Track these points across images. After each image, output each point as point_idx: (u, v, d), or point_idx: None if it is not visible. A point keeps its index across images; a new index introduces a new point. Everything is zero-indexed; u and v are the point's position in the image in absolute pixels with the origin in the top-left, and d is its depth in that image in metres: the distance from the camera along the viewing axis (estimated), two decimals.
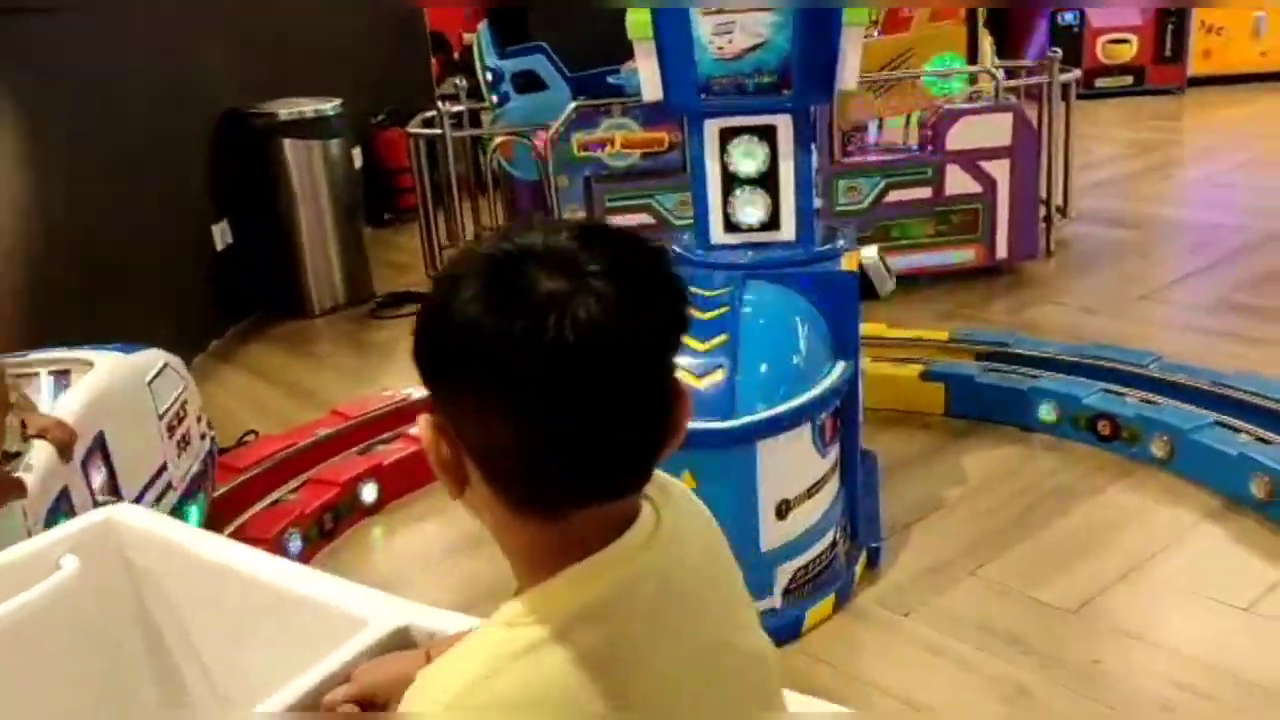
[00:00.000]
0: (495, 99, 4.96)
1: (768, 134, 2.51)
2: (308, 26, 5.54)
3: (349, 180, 4.94)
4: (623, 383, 0.77)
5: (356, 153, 5.72)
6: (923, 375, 3.44)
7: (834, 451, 2.55)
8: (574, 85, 4.77)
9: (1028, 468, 3.13)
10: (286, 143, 4.59)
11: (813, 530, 2.45)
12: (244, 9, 5.04)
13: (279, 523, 2.84)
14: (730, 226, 2.59)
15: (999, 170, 4.40)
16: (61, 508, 2.09)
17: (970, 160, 4.38)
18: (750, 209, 2.57)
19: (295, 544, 2.84)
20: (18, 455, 2.06)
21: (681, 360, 2.39)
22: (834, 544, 2.53)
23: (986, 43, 4.77)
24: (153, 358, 2.71)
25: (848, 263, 2.57)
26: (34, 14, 3.51)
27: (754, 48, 2.41)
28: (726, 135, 2.53)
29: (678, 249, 2.70)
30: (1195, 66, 8.34)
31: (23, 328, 3.16)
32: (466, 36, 6.48)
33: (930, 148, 4.43)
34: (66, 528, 1.50)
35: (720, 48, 2.43)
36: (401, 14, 6.84)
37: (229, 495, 2.95)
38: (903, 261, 4.41)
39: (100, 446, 2.37)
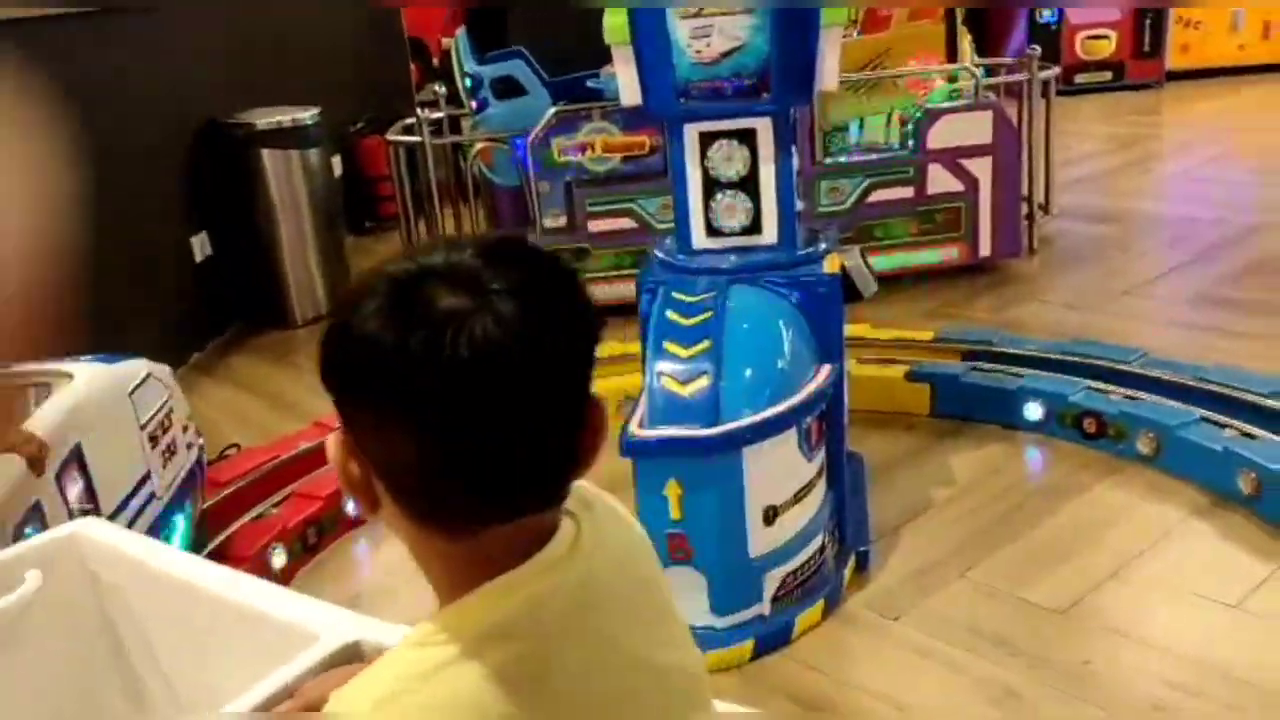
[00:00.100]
0: (474, 105, 4.93)
1: (748, 137, 2.49)
2: (286, 35, 5.51)
3: (329, 189, 4.91)
4: (523, 401, 0.76)
5: (336, 161, 5.70)
6: (908, 376, 3.43)
7: (820, 455, 2.54)
8: (553, 90, 4.75)
9: (1014, 467, 3.13)
10: (265, 153, 4.56)
11: (801, 535, 2.44)
12: (222, 18, 5.01)
13: (263, 537, 2.82)
14: (712, 231, 2.58)
15: (980, 168, 4.40)
16: (33, 522, 2.06)
17: (951, 159, 4.38)
18: (732, 213, 2.55)
19: (279, 559, 2.81)
20: None
21: (665, 367, 2.38)
22: (822, 548, 2.52)
23: (965, 41, 4.78)
24: (135, 368, 2.69)
25: (830, 265, 2.55)
26: (7, 25, 3.48)
27: (732, 51, 2.40)
28: (706, 139, 2.51)
29: (660, 254, 2.68)
30: (1174, 61, 8.37)
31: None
32: (445, 42, 6.45)
33: (910, 142, 4.42)
34: (31, 543, 1.50)
35: (698, 51, 2.41)
36: (379, 20, 6.82)
37: (212, 509, 2.92)
38: (886, 261, 4.44)
39: (77, 459, 2.35)
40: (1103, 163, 6.64)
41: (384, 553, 2.94)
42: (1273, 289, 4.29)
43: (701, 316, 2.38)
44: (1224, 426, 2.91)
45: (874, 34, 4.73)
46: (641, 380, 2.41)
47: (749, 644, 2.34)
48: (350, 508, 3.02)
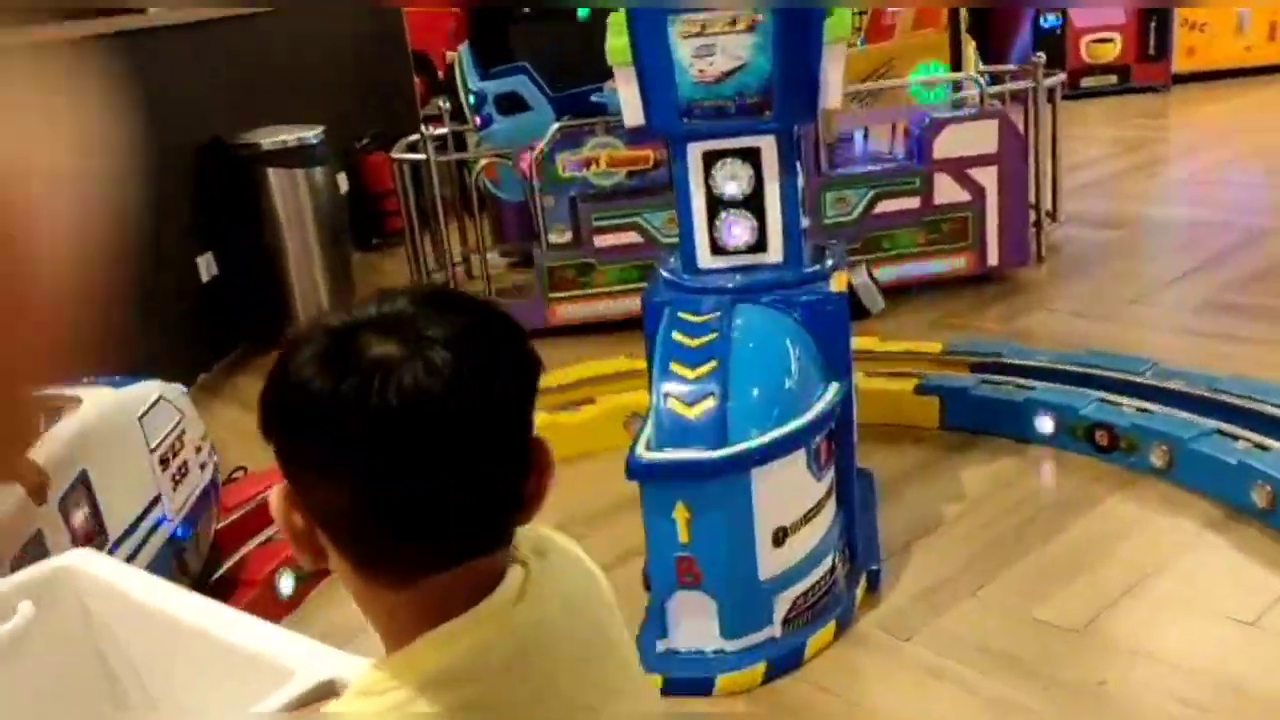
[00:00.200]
0: (478, 121, 4.93)
1: (751, 156, 2.48)
2: (291, 53, 5.52)
3: (334, 207, 4.91)
4: (456, 448, 0.77)
5: (342, 178, 5.71)
6: (917, 389, 3.41)
7: (830, 474, 2.52)
8: (557, 105, 4.74)
9: (1025, 481, 3.11)
10: (270, 172, 4.56)
11: (811, 556, 2.42)
12: (225, 38, 5.02)
13: (271, 562, 2.81)
14: (717, 250, 2.56)
15: (987, 177, 4.38)
16: (33, 551, 2.06)
17: (958, 168, 4.36)
18: (736, 231, 2.54)
19: (287, 583, 2.80)
20: None
21: (671, 388, 2.36)
22: (833, 568, 2.50)
23: (970, 49, 4.76)
24: (146, 391, 2.68)
25: (837, 283, 2.54)
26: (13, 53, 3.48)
27: (734, 70, 2.39)
28: (710, 158, 2.50)
29: (665, 273, 2.67)
30: (1179, 63, 8.35)
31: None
32: (450, 55, 6.45)
33: (914, 152, 4.41)
34: (25, 574, 1.52)
35: (700, 71, 2.40)
36: (384, 36, 6.83)
37: (222, 533, 2.91)
38: (893, 272, 4.43)
39: (83, 486, 2.35)
40: (1109, 167, 6.62)
41: None
42: None
43: (707, 337, 2.36)
44: (1237, 438, 2.89)
45: (878, 44, 4.72)
46: (648, 400, 2.39)
47: (760, 667, 2.33)
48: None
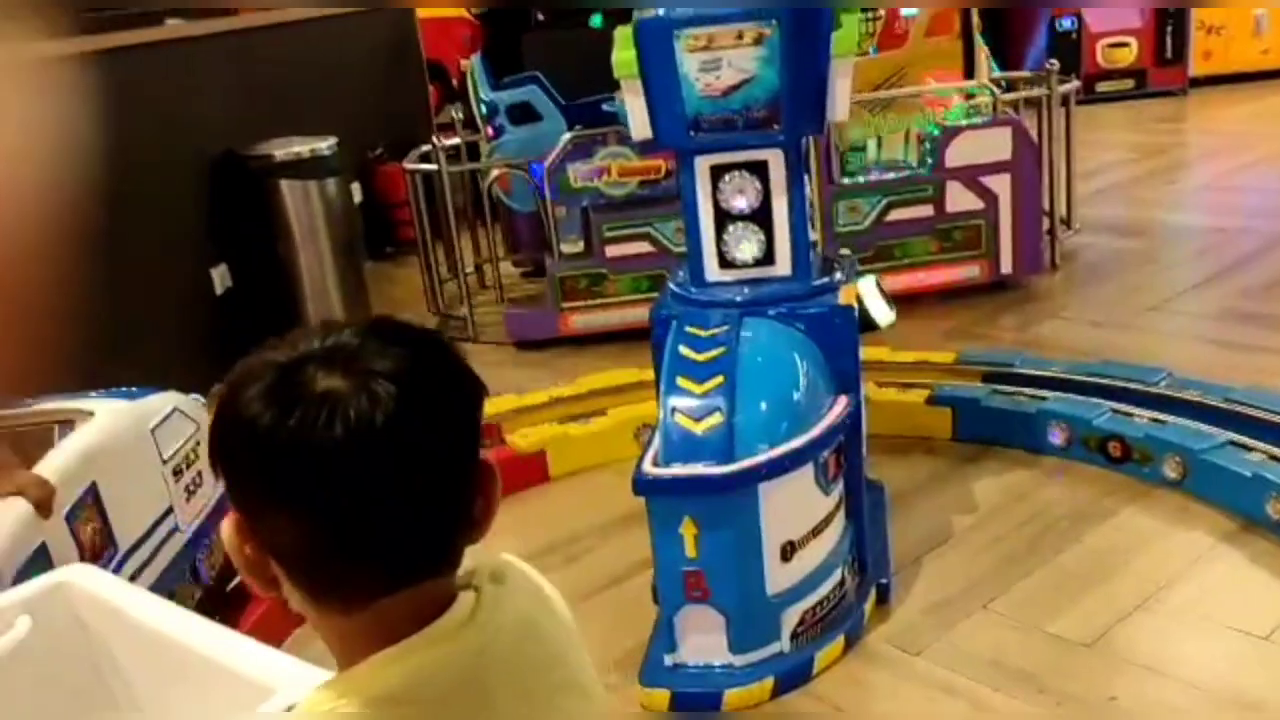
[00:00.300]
0: (490, 131, 4.94)
1: (759, 169, 2.47)
2: (304, 64, 5.54)
3: (347, 217, 4.92)
4: (400, 477, 0.79)
5: (356, 188, 5.72)
6: (929, 399, 3.39)
7: (839, 487, 2.51)
8: (569, 114, 4.74)
9: (1038, 493, 3.09)
10: (283, 183, 4.57)
11: (820, 570, 2.41)
12: (239, 51, 5.05)
13: None
14: (725, 263, 2.56)
15: (1000, 185, 4.36)
16: (38, 565, 2.08)
17: (971, 176, 4.34)
18: (744, 245, 2.53)
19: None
20: None
21: (678, 403, 2.37)
22: (842, 582, 2.49)
23: (983, 56, 4.74)
24: (160, 402, 2.69)
25: (846, 296, 2.53)
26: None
27: (742, 83, 2.38)
28: (717, 172, 2.49)
29: (673, 286, 2.67)
30: (1196, 67, 8.29)
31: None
32: (465, 64, 6.47)
33: (929, 159, 4.39)
34: (24, 589, 1.56)
35: (707, 84, 2.39)
36: (398, 45, 6.85)
37: None
38: (906, 280, 4.41)
39: (93, 499, 2.37)
40: (1126, 173, 6.58)
41: None
42: None
43: (715, 352, 2.36)
44: (1252, 450, 2.86)
45: (890, 51, 4.71)
46: (656, 415, 2.39)
47: (769, 682, 2.32)
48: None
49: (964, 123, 4.38)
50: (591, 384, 3.64)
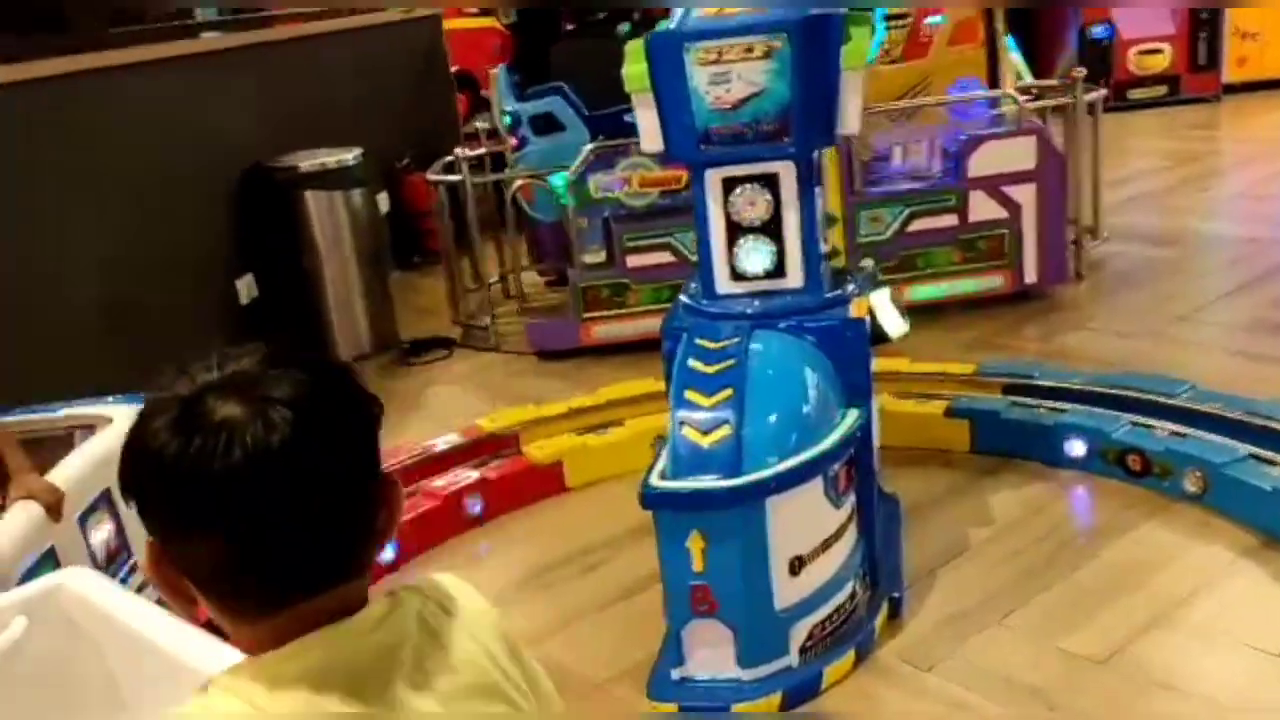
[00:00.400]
0: (514, 142, 4.96)
1: (770, 181, 2.47)
2: (332, 76, 5.60)
3: (372, 228, 4.96)
4: (297, 498, 0.85)
5: (383, 198, 5.78)
6: (947, 412, 3.37)
7: (850, 500, 2.50)
8: (593, 124, 4.76)
9: (1056, 506, 3.06)
10: (308, 194, 4.62)
11: (829, 584, 2.40)
12: (270, 62, 5.11)
13: None
14: (736, 275, 2.56)
15: (1024, 195, 4.33)
16: (45, 566, 2.12)
17: (994, 186, 4.31)
18: (755, 257, 2.53)
19: None
20: None
21: (686, 416, 2.37)
22: (853, 596, 2.48)
23: (1008, 64, 4.71)
24: None
25: (857, 309, 2.52)
26: (69, 79, 3.59)
27: (751, 96, 2.38)
28: (728, 184, 2.50)
29: (685, 298, 2.67)
30: (1230, 73, 8.18)
31: (52, 381, 3.21)
32: (493, 73, 6.52)
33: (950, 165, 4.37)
34: (22, 590, 1.62)
35: (718, 97, 2.40)
36: (426, 55, 6.91)
37: None
38: (929, 291, 4.39)
39: (106, 503, 2.41)
40: (1158, 181, 6.50)
41: None
42: None
43: (724, 364, 2.36)
44: (1273, 464, 2.82)
45: (914, 60, 4.69)
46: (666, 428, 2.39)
47: (777, 697, 2.31)
48: (387, 554, 3.04)
49: (986, 131, 4.35)
50: (610, 395, 3.64)
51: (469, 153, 4.75)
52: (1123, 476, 3.05)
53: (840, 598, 2.43)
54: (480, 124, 5.04)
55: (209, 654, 1.36)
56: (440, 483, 3.29)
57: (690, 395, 2.32)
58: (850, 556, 2.49)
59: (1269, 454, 2.84)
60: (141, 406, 0.88)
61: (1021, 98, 4.48)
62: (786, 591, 2.31)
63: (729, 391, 2.31)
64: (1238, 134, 7.71)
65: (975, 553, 2.87)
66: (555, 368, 4.47)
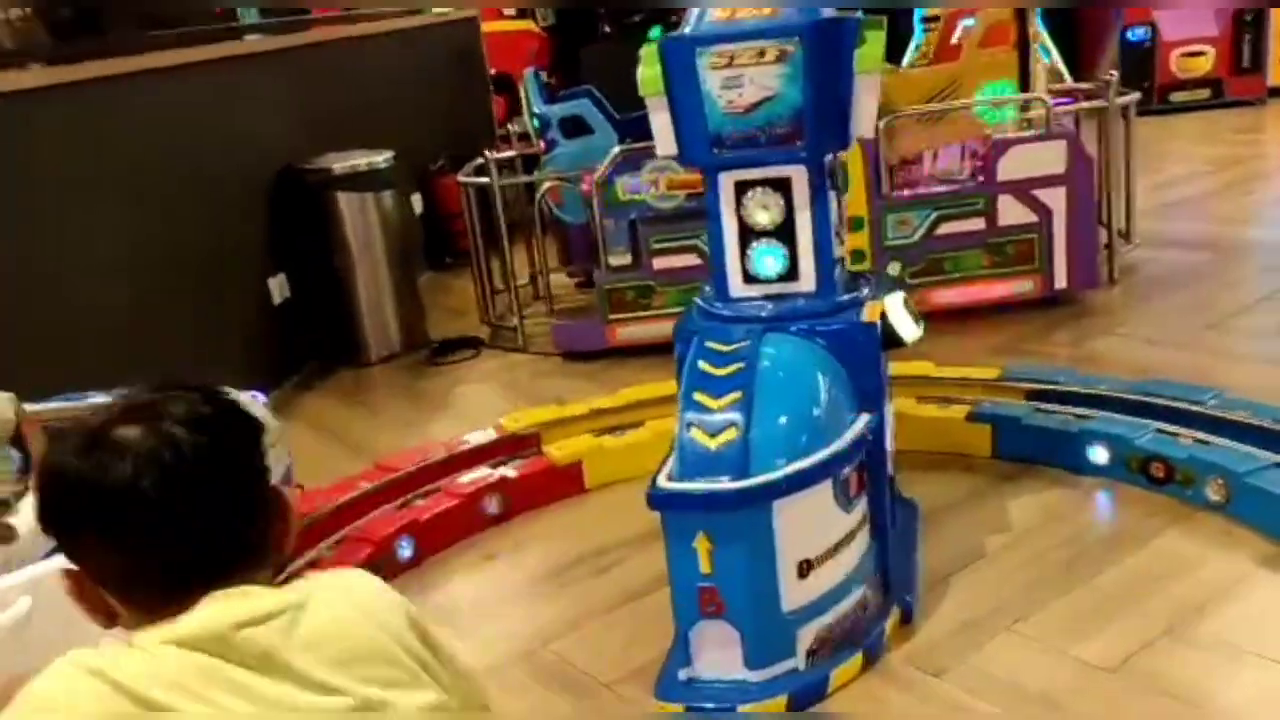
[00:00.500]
0: (543, 145, 5.00)
1: (782, 185, 2.48)
2: (368, 78, 5.67)
3: (404, 229, 5.02)
4: (191, 504, 1.00)
5: (416, 199, 5.84)
6: (969, 416, 3.35)
7: (861, 505, 2.49)
8: (623, 127, 4.78)
9: (1076, 513, 3.03)
10: (341, 196, 4.69)
11: (839, 588, 2.40)
12: (306, 65, 5.19)
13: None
14: (749, 279, 2.56)
15: (1054, 199, 4.28)
16: None
17: (1023, 190, 4.28)
18: (767, 260, 2.53)
19: None
20: (5, 503, 2.15)
21: (694, 418, 2.40)
22: (863, 600, 2.48)
23: (1040, 68, 4.66)
24: None
25: (869, 313, 2.51)
26: (107, 82, 3.67)
27: (764, 100, 2.39)
28: (741, 187, 2.51)
29: (699, 301, 2.68)
30: (1276, 76, 8.04)
31: (88, 374, 3.28)
32: (524, 74, 6.57)
33: (980, 177, 4.34)
34: (30, 570, 1.66)
35: (730, 101, 2.41)
36: (463, 58, 6.97)
37: None
38: (957, 295, 4.37)
39: None
40: (1199, 185, 6.41)
41: (434, 597, 2.98)
42: None
43: (733, 367, 2.36)
44: None
45: (944, 63, 4.66)
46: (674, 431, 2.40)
47: (783, 699, 2.31)
48: (405, 552, 3.08)
49: (1015, 135, 4.32)
50: (631, 396, 3.65)
51: (498, 155, 4.79)
52: (1145, 484, 3.02)
53: (850, 602, 2.43)
54: (512, 127, 5.07)
55: None
56: (461, 481, 3.33)
57: (699, 397, 2.33)
58: (861, 561, 2.48)
59: None
60: (57, 436, 1.05)
61: (1057, 100, 4.44)
62: (794, 594, 2.31)
63: (737, 394, 2.31)
64: None
65: (992, 559, 2.85)
66: (581, 369, 4.50)
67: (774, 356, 2.42)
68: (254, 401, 2.94)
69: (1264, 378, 3.61)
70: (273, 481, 1.13)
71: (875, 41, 2.43)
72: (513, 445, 3.49)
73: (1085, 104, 4.78)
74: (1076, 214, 4.30)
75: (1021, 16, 4.60)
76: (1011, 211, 4.30)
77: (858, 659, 2.41)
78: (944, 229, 4.34)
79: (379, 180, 4.76)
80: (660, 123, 2.50)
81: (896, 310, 2.56)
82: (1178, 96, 7.98)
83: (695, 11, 2.49)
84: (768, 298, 2.56)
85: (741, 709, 2.30)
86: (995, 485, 3.19)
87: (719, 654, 2.32)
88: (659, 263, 4.39)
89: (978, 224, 4.33)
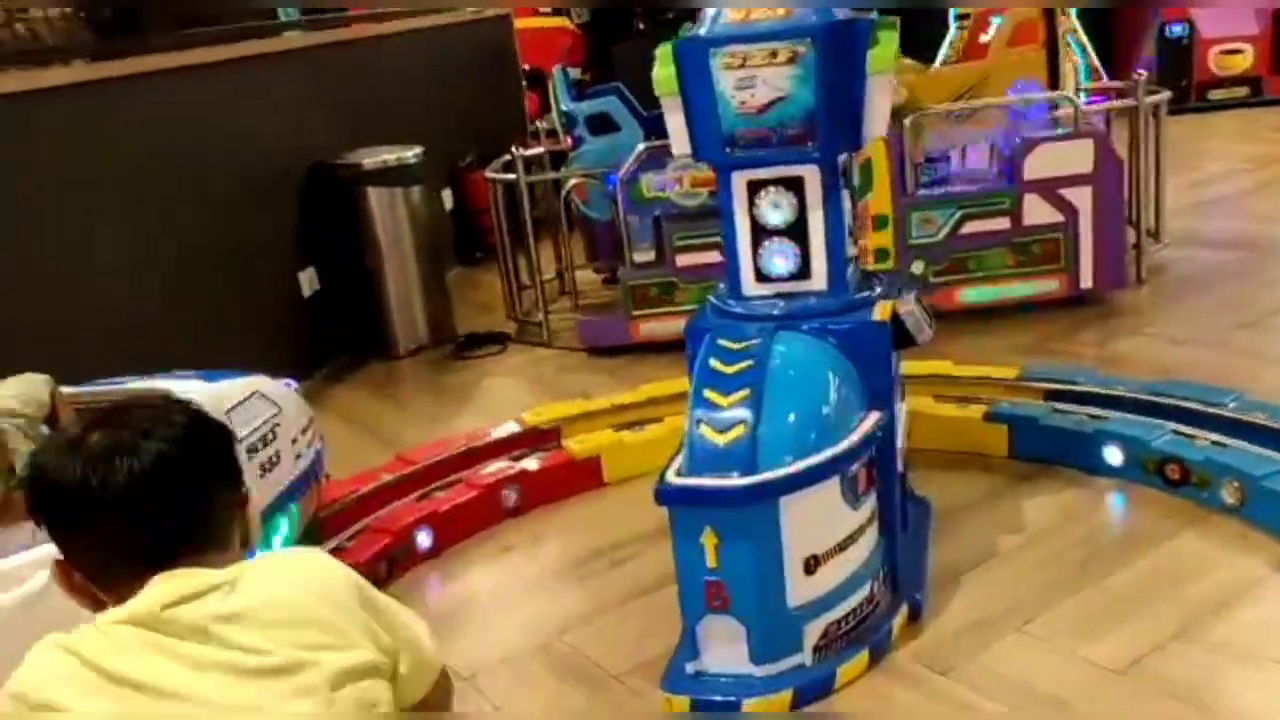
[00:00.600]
0: (570, 141, 5.04)
1: (795, 185, 2.50)
2: (402, 75, 5.74)
3: (433, 224, 5.08)
4: (137, 503, 1.16)
5: (447, 194, 5.90)
6: (986, 416, 3.35)
7: (870, 502, 2.51)
8: (647, 125, 4.80)
9: (1091, 514, 3.02)
10: (371, 191, 4.75)
11: (846, 585, 2.42)
12: (341, 62, 5.25)
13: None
14: (761, 277, 2.58)
15: (1080, 198, 4.27)
16: None
17: (1049, 189, 4.26)
18: (780, 259, 2.55)
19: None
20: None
21: (703, 415, 2.45)
22: (871, 597, 2.49)
23: (1069, 66, 4.64)
24: (238, 386, 2.76)
25: (880, 311, 2.53)
26: (143, 78, 3.75)
27: (776, 101, 2.40)
28: (754, 187, 2.52)
29: (713, 299, 2.70)
30: None
31: (125, 361, 3.35)
32: (553, 71, 6.61)
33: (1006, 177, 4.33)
34: (47, 548, 1.67)
35: (743, 102, 2.43)
36: (496, 54, 7.02)
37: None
38: (982, 294, 4.36)
39: None
40: (1236, 184, 6.34)
41: (452, 587, 3.03)
42: None
43: (743, 364, 2.39)
44: None
45: (973, 61, 4.65)
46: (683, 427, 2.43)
47: (788, 694, 2.34)
48: (423, 541, 3.13)
49: (1042, 134, 4.30)
50: (651, 392, 3.69)
51: (525, 151, 4.83)
52: (1161, 486, 3.01)
53: (857, 598, 2.45)
54: (541, 124, 5.12)
55: None
56: (481, 473, 3.37)
57: (709, 394, 2.36)
58: (869, 558, 2.50)
59: None
60: (43, 443, 1.26)
61: (1089, 99, 4.42)
62: (801, 590, 2.33)
63: (747, 391, 2.34)
64: None
65: (1005, 558, 2.85)
66: (605, 364, 4.54)
67: (784, 354, 2.44)
68: (289, 390, 3.00)
69: None
70: (245, 481, 1.31)
71: (888, 42, 2.44)
72: (533, 439, 3.54)
73: (1115, 103, 4.74)
74: (1103, 213, 4.28)
75: (1050, 15, 4.57)
76: (1037, 211, 4.28)
77: (864, 656, 2.43)
78: (969, 228, 4.33)
79: (408, 176, 4.83)
80: (675, 122, 2.52)
81: (910, 310, 2.56)
82: (1216, 94, 7.89)
83: (710, 12, 2.51)
84: (780, 296, 2.58)
85: (746, 703, 2.32)
86: (1011, 485, 3.19)
87: (725, 648, 2.35)
88: (682, 259, 4.42)
89: (1003, 223, 4.32)
